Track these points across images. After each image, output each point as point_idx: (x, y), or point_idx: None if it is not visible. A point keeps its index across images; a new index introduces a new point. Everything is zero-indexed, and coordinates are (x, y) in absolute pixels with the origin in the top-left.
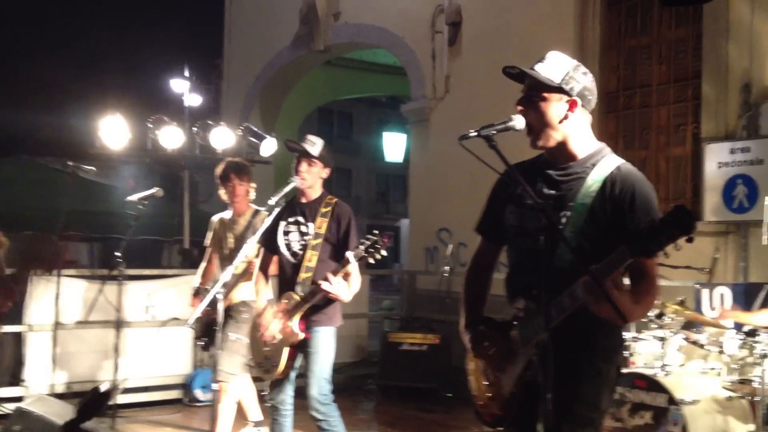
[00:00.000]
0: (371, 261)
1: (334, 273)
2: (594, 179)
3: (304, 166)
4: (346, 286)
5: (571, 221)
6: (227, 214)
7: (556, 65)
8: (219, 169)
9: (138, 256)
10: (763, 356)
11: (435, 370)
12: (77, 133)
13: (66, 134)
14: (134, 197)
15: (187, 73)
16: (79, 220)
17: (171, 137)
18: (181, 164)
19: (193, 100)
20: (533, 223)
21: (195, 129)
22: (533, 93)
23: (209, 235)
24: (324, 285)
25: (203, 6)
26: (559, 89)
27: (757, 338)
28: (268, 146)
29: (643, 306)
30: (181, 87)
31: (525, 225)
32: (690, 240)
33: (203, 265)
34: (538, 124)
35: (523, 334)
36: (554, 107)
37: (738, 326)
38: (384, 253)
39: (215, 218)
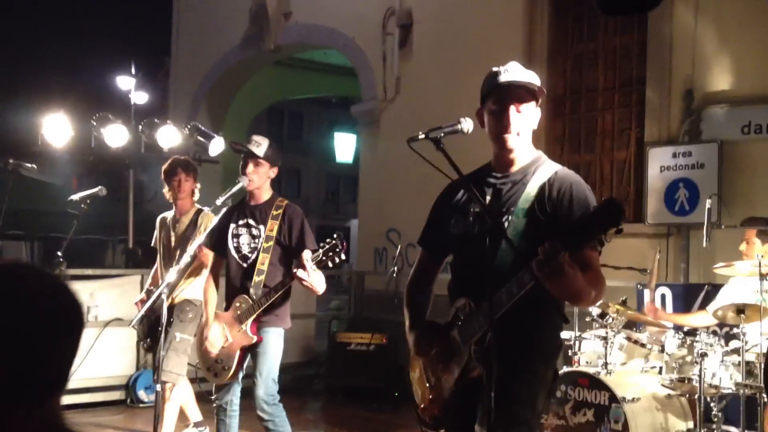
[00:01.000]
0: (330, 265)
1: (313, 260)
2: (534, 184)
3: (250, 167)
4: (321, 275)
5: (512, 225)
6: (170, 213)
7: (528, 73)
8: (166, 165)
9: (81, 255)
10: (702, 355)
11: (382, 369)
12: (18, 130)
13: (6, 131)
14: (77, 196)
15: (133, 70)
16: (20, 219)
17: (116, 135)
18: (126, 163)
19: (140, 97)
20: (478, 228)
21: (141, 127)
22: (530, 98)
23: (154, 235)
24: (300, 273)
25: (151, 1)
26: (536, 97)
27: (696, 337)
28: (216, 146)
29: (595, 291)
30: (128, 84)
31: (469, 231)
32: (619, 231)
33: (156, 266)
34: (525, 130)
35: (463, 334)
36: (535, 112)
37: (677, 326)
38: (343, 257)
39: (159, 217)
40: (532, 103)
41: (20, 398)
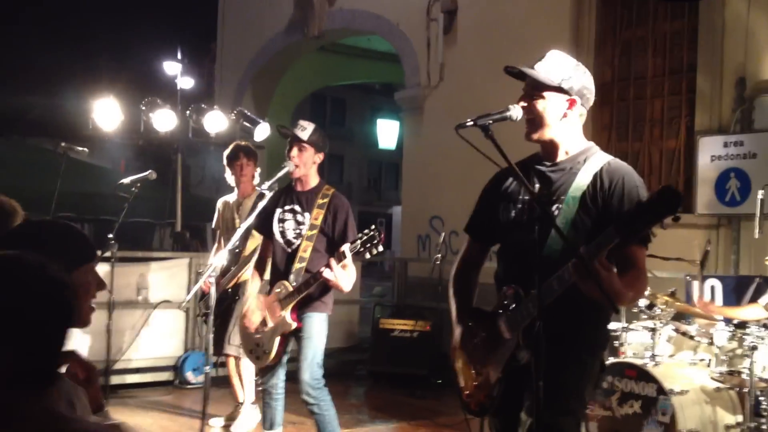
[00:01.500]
0: (367, 256)
1: (338, 260)
2: (586, 173)
3: (295, 151)
4: (346, 274)
5: (563, 213)
6: (232, 197)
7: (556, 64)
8: (228, 150)
9: (130, 237)
10: (753, 348)
11: (425, 356)
12: (69, 113)
13: (58, 115)
14: (127, 180)
15: (180, 56)
16: (71, 201)
17: (164, 120)
18: (174, 147)
19: (186, 83)
20: (527, 215)
21: (188, 112)
22: (534, 92)
23: (215, 218)
24: (326, 273)
25: None
26: (558, 88)
27: (746, 330)
28: (262, 131)
29: (633, 291)
30: (174, 69)
31: (518, 219)
32: (676, 219)
33: (215, 246)
34: (538, 120)
35: (510, 321)
36: (554, 105)
37: (727, 319)
38: (381, 248)
39: (220, 201)
40: (551, 93)
41: (19, 386)
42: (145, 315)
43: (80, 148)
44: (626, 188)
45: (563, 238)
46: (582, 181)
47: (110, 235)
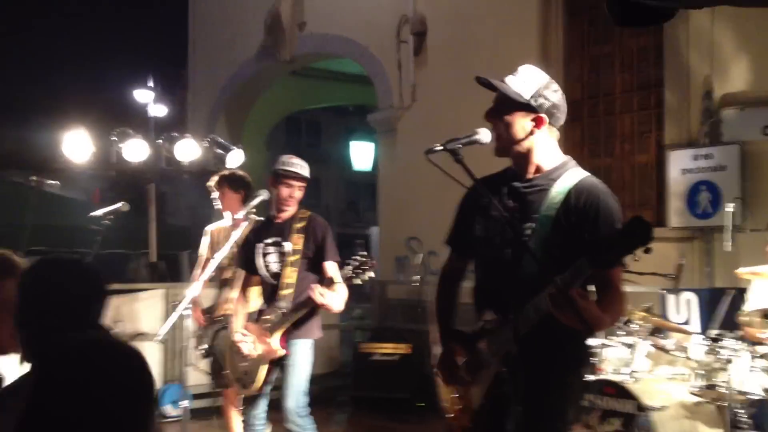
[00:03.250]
0: (360, 282)
1: (327, 285)
2: (558, 191)
3: (297, 193)
4: (336, 294)
5: (536, 233)
6: (224, 223)
7: (527, 80)
8: (211, 179)
9: (103, 269)
10: (728, 361)
11: (407, 379)
12: (40, 146)
13: (29, 147)
14: (99, 212)
15: (151, 84)
16: (43, 235)
17: (136, 150)
18: (147, 177)
19: (158, 110)
20: (500, 234)
21: (160, 141)
22: (502, 106)
23: (204, 243)
24: (316, 296)
25: (167, 15)
26: (527, 105)
27: (722, 343)
28: (235, 158)
29: (611, 315)
30: (146, 97)
31: (492, 237)
32: (647, 251)
33: (196, 272)
34: (504, 136)
35: (491, 347)
36: (521, 122)
37: (704, 332)
38: (372, 274)
39: (212, 227)
40: (520, 110)
41: None
42: None
43: (52, 182)
44: (602, 209)
45: (535, 260)
46: (554, 199)
47: None
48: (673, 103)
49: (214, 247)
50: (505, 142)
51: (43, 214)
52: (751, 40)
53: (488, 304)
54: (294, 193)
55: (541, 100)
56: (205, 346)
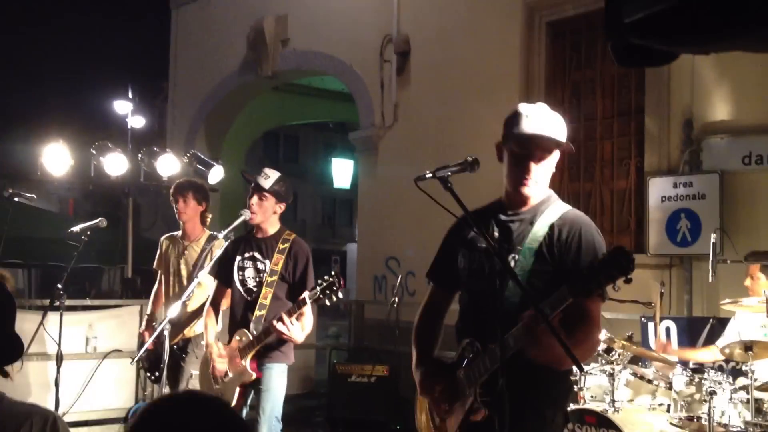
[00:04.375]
0: (327, 303)
1: (290, 314)
2: (542, 224)
3: (255, 200)
4: (299, 327)
5: (519, 264)
6: (177, 234)
7: (554, 121)
8: (172, 187)
9: (78, 282)
10: (711, 393)
11: (384, 402)
12: (18, 158)
13: (6, 160)
14: (77, 228)
15: (130, 95)
16: (17, 247)
17: (115, 164)
18: (125, 191)
19: (137, 122)
20: (485, 266)
21: (140, 156)
22: (544, 153)
23: (157, 255)
24: (278, 326)
25: (149, 27)
26: (558, 145)
27: (704, 375)
28: (215, 174)
29: (582, 351)
30: (125, 108)
31: (477, 268)
32: (628, 281)
33: (155, 288)
34: (541, 179)
35: (468, 375)
36: (554, 162)
37: (683, 362)
38: (341, 295)
39: (165, 237)
40: (555, 153)
41: None
42: (95, 365)
43: (29, 195)
44: (583, 240)
45: (523, 290)
46: (538, 232)
47: (59, 285)
48: (654, 130)
49: (161, 258)
50: (538, 182)
51: (19, 226)
52: (731, 69)
53: (471, 334)
54: (254, 200)
55: (563, 137)
56: (157, 373)
